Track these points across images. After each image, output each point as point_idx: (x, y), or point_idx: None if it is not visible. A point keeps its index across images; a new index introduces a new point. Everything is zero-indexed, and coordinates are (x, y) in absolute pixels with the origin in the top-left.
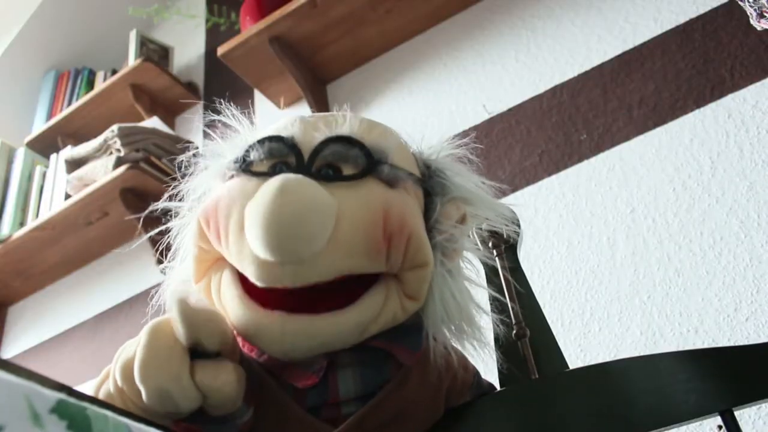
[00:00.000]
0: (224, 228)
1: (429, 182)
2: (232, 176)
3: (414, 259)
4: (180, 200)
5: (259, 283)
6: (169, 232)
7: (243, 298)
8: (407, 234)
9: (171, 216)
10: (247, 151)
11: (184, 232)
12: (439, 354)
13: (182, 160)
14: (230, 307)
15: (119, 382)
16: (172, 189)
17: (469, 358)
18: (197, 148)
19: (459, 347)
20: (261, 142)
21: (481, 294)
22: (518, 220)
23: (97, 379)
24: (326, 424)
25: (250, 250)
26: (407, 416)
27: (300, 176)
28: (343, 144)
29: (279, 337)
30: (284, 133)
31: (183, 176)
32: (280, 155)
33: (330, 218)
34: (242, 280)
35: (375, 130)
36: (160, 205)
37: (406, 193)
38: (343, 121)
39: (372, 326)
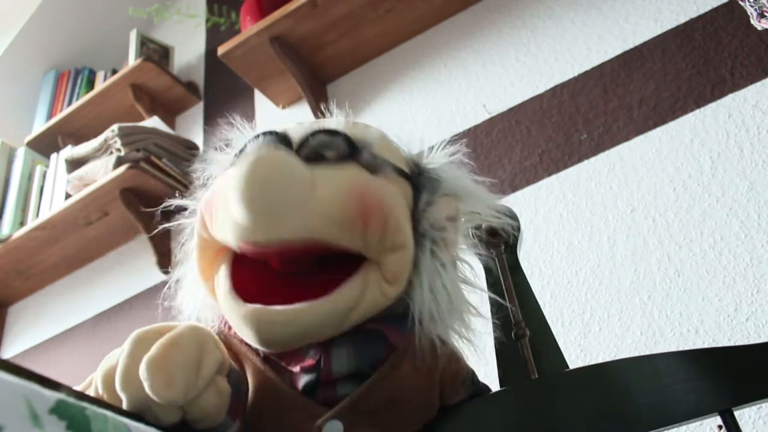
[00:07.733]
0: (217, 207)
1: (418, 179)
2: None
3: (393, 239)
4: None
5: (236, 243)
6: (183, 231)
7: (230, 293)
8: (386, 213)
9: (181, 215)
10: (245, 145)
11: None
12: (425, 341)
13: (191, 165)
14: (221, 302)
15: (100, 390)
16: (183, 192)
17: (464, 356)
18: (204, 154)
19: (449, 341)
20: (257, 136)
21: (480, 294)
22: (517, 219)
23: (81, 387)
24: (322, 406)
25: (232, 215)
26: (401, 401)
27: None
28: (328, 134)
29: (256, 327)
30: (278, 130)
31: (192, 182)
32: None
33: (302, 179)
34: (232, 275)
35: (361, 126)
36: (164, 205)
37: (388, 181)
38: (331, 120)
39: (352, 314)
